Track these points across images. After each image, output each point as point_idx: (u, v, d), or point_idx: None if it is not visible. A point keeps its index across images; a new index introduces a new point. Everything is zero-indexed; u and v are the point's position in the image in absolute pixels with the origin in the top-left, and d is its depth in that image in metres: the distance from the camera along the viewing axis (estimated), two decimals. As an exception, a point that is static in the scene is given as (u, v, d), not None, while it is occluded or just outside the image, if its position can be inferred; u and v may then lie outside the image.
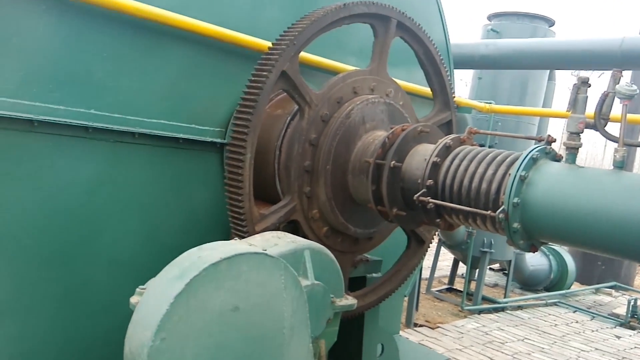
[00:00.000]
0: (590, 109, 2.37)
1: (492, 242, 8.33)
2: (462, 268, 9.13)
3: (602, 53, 5.93)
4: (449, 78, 3.41)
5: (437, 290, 9.00)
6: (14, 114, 2.42)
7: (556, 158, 2.50)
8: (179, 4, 2.85)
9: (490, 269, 10.86)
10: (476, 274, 8.63)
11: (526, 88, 8.58)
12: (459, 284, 9.22)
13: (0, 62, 2.40)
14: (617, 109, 2.36)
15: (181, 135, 2.95)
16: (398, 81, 3.32)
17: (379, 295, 3.37)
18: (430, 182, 2.68)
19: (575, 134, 2.40)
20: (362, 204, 3.04)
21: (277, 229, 2.82)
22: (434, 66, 3.34)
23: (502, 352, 6.65)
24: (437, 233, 8.33)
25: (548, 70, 8.84)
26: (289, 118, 3.06)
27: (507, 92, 8.48)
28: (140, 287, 2.06)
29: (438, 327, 7.30)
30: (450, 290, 9.25)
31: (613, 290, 10.88)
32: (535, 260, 9.75)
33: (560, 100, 9.92)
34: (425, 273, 8.91)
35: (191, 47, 2.96)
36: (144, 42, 2.80)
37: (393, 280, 3.43)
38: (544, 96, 8.95)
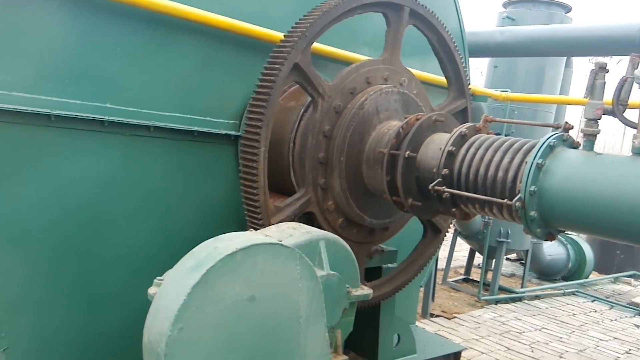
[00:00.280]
0: (608, 96, 2.34)
1: (509, 232, 8.25)
2: (478, 258, 9.08)
3: (620, 38, 5.81)
4: (463, 65, 3.38)
5: (453, 281, 8.96)
6: (32, 108, 2.45)
7: (574, 145, 2.47)
8: (192, -3, 2.86)
9: (507, 259, 10.79)
10: (493, 264, 8.57)
11: (543, 76, 8.46)
12: (475, 275, 9.17)
13: (16, 58, 2.44)
14: (636, 95, 2.32)
15: (196, 128, 2.96)
16: (413, 70, 3.30)
17: (395, 285, 3.37)
18: (445, 171, 2.67)
19: (592, 121, 2.37)
20: (377, 194, 3.04)
21: (292, 221, 2.82)
22: (448, 53, 3.31)
23: (520, 342, 6.61)
24: (453, 223, 8.31)
25: (565, 58, 8.70)
26: (302, 110, 3.06)
27: (523, 81, 8.36)
28: (158, 278, 2.08)
29: (454, 317, 7.28)
30: (466, 280, 9.20)
31: (632, 279, 10.74)
32: (552, 250, 9.66)
33: (578, 88, 9.76)
34: (441, 264, 8.87)
35: (204, 40, 2.97)
36: (158, 36, 2.82)
37: (409, 270, 3.43)
38: (561, 84, 8.82)
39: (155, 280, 2.11)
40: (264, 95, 2.69)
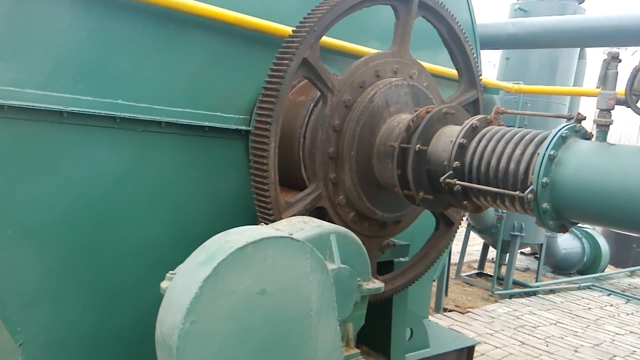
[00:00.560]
0: (621, 86, 2.31)
1: (523, 226, 8.18)
2: (492, 253, 9.03)
3: (634, 29, 5.73)
4: (474, 56, 3.35)
5: (466, 275, 8.92)
6: (45, 105, 2.48)
7: (586, 136, 2.44)
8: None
9: (522, 253, 10.71)
10: (507, 258, 8.51)
11: (556, 68, 8.35)
12: (489, 269, 9.12)
13: (29, 56, 2.46)
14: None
15: (206, 124, 2.98)
16: (424, 64, 3.28)
17: (407, 278, 3.37)
18: (456, 163, 2.65)
19: (605, 111, 2.34)
20: (388, 188, 3.03)
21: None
22: (458, 44, 3.29)
23: (534, 336, 6.57)
24: (466, 218, 8.26)
25: (578, 49, 8.60)
26: (312, 105, 3.06)
27: (536, 73, 8.27)
28: (170, 272, 2.10)
29: (468, 311, 7.25)
30: (480, 275, 9.15)
31: (649, 273, 10.63)
32: (567, 244, 9.57)
33: (592, 80, 9.65)
34: (455, 258, 8.84)
35: (214, 35, 2.97)
36: (168, 32, 2.83)
37: (422, 263, 3.42)
38: (575, 76, 8.71)
39: (167, 275, 2.12)
40: (273, 91, 2.69)
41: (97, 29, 2.63)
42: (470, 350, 4.24)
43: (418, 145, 2.76)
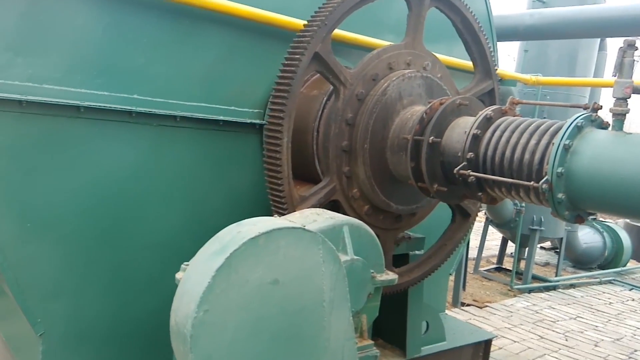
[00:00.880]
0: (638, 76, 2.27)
1: (542, 220, 8.08)
2: (511, 247, 8.94)
3: (656, 18, 5.62)
4: (489, 45, 3.32)
5: (485, 270, 8.85)
6: (62, 100, 2.53)
7: (602, 126, 2.41)
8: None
9: (541, 247, 10.59)
10: (526, 253, 8.42)
11: (575, 59, 8.22)
12: (508, 264, 9.04)
13: (46, 52, 2.51)
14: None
15: (221, 118, 3.00)
16: (439, 56, 3.26)
17: (424, 270, 3.36)
18: (470, 155, 2.64)
19: (621, 100, 2.31)
20: (402, 180, 3.02)
21: (317, 208, 2.84)
22: (472, 34, 3.26)
23: (553, 331, 6.50)
24: (485, 212, 8.18)
25: (598, 40, 8.45)
26: (325, 98, 3.06)
27: (555, 64, 8.15)
28: (185, 263, 2.13)
29: (486, 306, 7.20)
30: (498, 269, 9.07)
31: (672, 268, 10.43)
32: (588, 238, 9.44)
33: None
34: (473, 253, 8.77)
35: (228, 30, 3.00)
36: (183, 26, 2.86)
37: (438, 255, 3.41)
38: (595, 67, 8.57)
39: (182, 266, 2.16)
40: (285, 86, 2.70)
41: (113, 25, 2.67)
42: (487, 344, 4.21)
43: (432, 138, 2.74)
